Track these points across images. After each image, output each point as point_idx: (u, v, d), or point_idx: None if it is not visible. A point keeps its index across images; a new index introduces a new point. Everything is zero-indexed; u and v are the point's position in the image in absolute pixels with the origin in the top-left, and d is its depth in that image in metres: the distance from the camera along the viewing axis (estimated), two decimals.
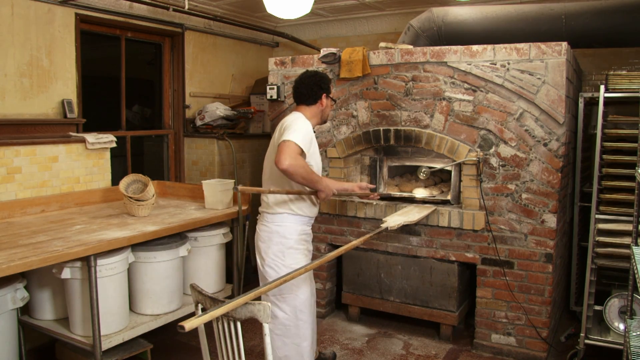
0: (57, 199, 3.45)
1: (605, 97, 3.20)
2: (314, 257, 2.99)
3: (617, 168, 3.22)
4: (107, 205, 3.66)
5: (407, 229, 3.63)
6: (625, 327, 2.67)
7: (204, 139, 4.82)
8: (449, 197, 3.66)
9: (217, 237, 3.49)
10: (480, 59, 3.34)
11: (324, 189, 2.71)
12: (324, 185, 2.71)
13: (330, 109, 2.96)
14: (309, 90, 2.81)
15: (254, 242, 2.91)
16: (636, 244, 2.61)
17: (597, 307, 3.29)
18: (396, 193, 3.86)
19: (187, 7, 4.25)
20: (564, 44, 3.13)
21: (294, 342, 2.80)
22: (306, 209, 2.82)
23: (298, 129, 2.61)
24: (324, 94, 2.85)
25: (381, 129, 3.71)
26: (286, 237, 2.76)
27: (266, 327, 1.93)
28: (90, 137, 3.69)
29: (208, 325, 1.98)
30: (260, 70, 5.60)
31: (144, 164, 5.52)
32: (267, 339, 1.95)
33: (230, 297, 3.36)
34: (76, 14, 3.84)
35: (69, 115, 3.76)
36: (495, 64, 3.30)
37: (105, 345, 2.73)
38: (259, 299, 1.96)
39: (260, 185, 2.93)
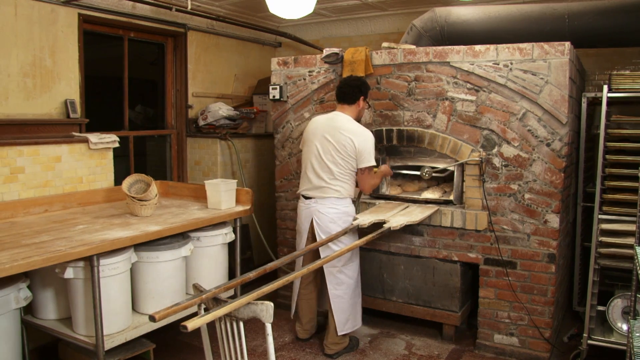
0: (60, 198, 3.45)
1: (608, 97, 3.20)
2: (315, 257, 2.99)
3: (620, 168, 3.22)
4: (109, 205, 3.66)
5: (409, 229, 3.63)
6: (629, 328, 2.66)
7: (206, 139, 4.82)
8: (451, 197, 3.66)
9: (219, 237, 3.49)
10: (483, 59, 3.33)
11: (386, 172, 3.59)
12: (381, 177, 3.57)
13: (364, 110, 3.50)
14: (350, 91, 3.32)
15: (311, 223, 3.33)
16: (639, 244, 2.60)
17: (600, 308, 3.28)
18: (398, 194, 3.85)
19: (189, 7, 4.26)
20: (567, 44, 3.12)
21: (356, 301, 3.46)
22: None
23: (371, 148, 3.26)
24: (362, 97, 3.34)
25: (384, 129, 3.71)
26: (350, 216, 3.35)
27: (268, 327, 1.93)
28: (93, 137, 3.69)
29: (211, 325, 1.98)
30: (263, 70, 5.60)
31: (147, 164, 5.53)
32: (270, 339, 1.95)
33: (233, 297, 3.36)
34: (79, 14, 3.85)
35: (72, 116, 3.76)
36: (498, 64, 3.29)
37: (108, 344, 2.73)
38: (263, 297, 1.95)
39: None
